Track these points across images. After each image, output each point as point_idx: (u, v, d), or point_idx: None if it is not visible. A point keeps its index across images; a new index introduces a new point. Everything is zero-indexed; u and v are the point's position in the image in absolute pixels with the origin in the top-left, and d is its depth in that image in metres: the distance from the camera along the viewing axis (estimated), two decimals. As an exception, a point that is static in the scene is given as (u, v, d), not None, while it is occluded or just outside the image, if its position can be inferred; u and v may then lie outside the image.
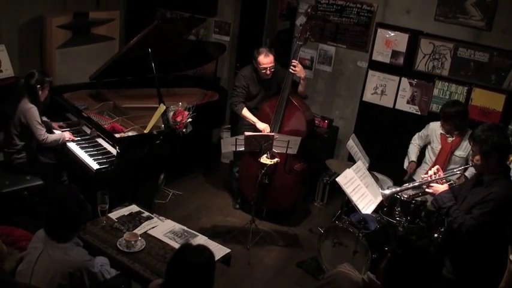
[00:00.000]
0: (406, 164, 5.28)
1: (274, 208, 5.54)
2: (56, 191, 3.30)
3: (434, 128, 5.09)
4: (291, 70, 5.13)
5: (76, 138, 4.94)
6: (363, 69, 6.17)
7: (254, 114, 5.33)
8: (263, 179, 5.05)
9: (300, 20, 6.28)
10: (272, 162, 5.03)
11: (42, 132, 4.65)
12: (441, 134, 4.99)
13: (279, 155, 5.08)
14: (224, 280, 4.49)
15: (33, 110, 4.60)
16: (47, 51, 5.99)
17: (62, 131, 4.98)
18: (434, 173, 3.96)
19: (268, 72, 5.24)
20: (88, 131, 5.02)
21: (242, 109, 5.31)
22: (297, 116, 5.23)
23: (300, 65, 5.18)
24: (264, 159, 4.96)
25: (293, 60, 5.14)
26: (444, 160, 4.89)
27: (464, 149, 4.87)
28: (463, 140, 4.88)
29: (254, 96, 5.42)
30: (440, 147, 4.98)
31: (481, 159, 3.52)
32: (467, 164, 4.76)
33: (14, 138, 4.69)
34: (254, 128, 5.26)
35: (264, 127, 5.20)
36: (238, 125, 5.52)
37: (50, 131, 4.92)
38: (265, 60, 5.18)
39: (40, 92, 4.66)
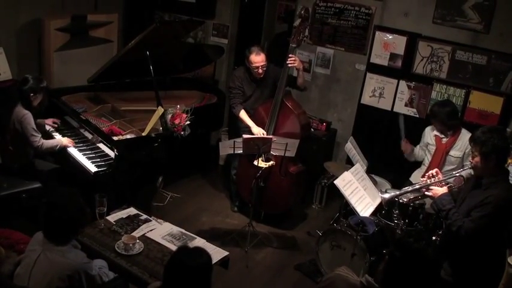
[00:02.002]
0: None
1: (271, 211, 5.54)
2: (57, 194, 3.29)
3: (429, 131, 5.11)
4: (289, 64, 5.10)
5: (74, 142, 4.91)
6: (361, 71, 6.18)
7: (250, 117, 5.32)
8: (259, 182, 5.04)
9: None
10: (267, 165, 5.03)
11: (37, 139, 4.61)
12: (435, 135, 5.00)
13: (275, 157, 5.07)
14: (222, 283, 4.48)
15: (28, 117, 4.56)
16: (45, 54, 5.99)
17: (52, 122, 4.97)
18: (433, 176, 3.96)
19: (260, 71, 5.22)
20: (86, 133, 5.01)
21: (240, 111, 5.30)
22: (291, 119, 5.22)
23: (298, 59, 5.17)
24: (259, 163, 4.94)
25: (290, 55, 5.11)
26: (439, 161, 4.90)
27: (459, 149, 4.87)
28: (457, 140, 4.89)
29: (249, 97, 5.41)
30: (435, 148, 4.99)
31: (481, 161, 3.53)
32: (462, 164, 4.78)
33: (9, 142, 4.68)
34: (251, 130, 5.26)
35: (257, 131, 5.17)
36: (240, 129, 5.48)
37: (46, 134, 4.90)
38: (257, 58, 5.17)
39: (33, 99, 4.62)
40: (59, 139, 4.89)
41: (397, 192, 4.28)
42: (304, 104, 5.79)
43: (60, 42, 6.04)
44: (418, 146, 5.28)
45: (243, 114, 5.30)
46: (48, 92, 4.87)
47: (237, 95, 5.34)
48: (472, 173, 4.02)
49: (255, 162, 4.91)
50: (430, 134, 5.07)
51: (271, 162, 5.07)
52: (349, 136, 5.53)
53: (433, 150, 5.02)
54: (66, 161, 4.85)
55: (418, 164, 5.28)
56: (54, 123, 5.11)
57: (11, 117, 4.63)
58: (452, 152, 4.91)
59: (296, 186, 5.46)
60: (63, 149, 4.82)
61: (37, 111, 4.72)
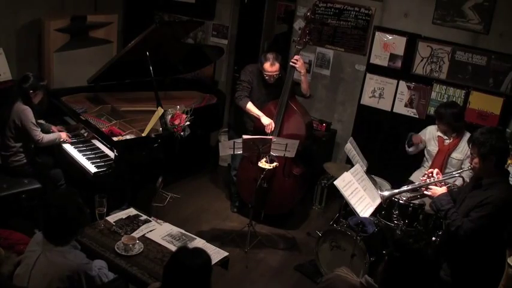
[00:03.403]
0: (407, 148, 5.24)
1: (273, 212, 5.54)
2: (56, 195, 3.30)
3: (432, 130, 5.10)
4: (291, 63, 5.11)
5: (72, 140, 4.95)
6: (361, 72, 6.18)
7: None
8: (262, 183, 5.04)
9: (298, 24, 6.29)
10: (271, 167, 5.02)
11: (37, 133, 4.66)
12: (438, 136, 5.00)
13: (278, 159, 5.07)
14: (222, 283, 4.48)
15: (28, 111, 4.61)
16: (45, 55, 5.99)
17: (59, 131, 4.99)
18: (433, 175, 3.96)
19: (272, 79, 5.24)
20: (86, 134, 5.02)
21: (247, 103, 5.25)
22: (296, 119, 5.23)
23: (301, 60, 5.17)
24: (263, 164, 4.94)
25: (295, 56, 5.12)
26: (441, 162, 4.89)
27: (461, 151, 4.87)
28: (460, 142, 4.88)
29: (256, 95, 5.40)
30: (437, 149, 4.99)
31: (480, 162, 3.53)
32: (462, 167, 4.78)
33: (10, 140, 4.69)
34: (256, 130, 5.25)
35: (269, 122, 5.16)
36: (245, 128, 5.46)
37: (47, 133, 4.92)
38: (271, 68, 5.16)
39: (33, 96, 4.67)
40: (58, 133, 4.91)
41: (396, 191, 4.28)
42: (303, 104, 5.78)
43: (60, 43, 6.03)
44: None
45: (251, 106, 5.25)
46: (48, 92, 4.89)
47: (245, 88, 5.31)
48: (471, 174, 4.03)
49: (259, 164, 4.91)
50: (433, 135, 5.06)
51: (274, 164, 5.07)
52: (348, 137, 5.53)
53: (434, 152, 5.02)
54: (66, 161, 4.86)
55: (418, 165, 5.28)
56: (59, 131, 5.12)
57: (10, 114, 4.64)
58: (454, 154, 4.91)
59: (299, 187, 5.47)
60: (62, 148, 4.84)
61: (37, 110, 4.73)
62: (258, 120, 5.23)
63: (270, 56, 5.18)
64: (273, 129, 5.15)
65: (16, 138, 4.69)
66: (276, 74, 5.21)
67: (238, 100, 5.32)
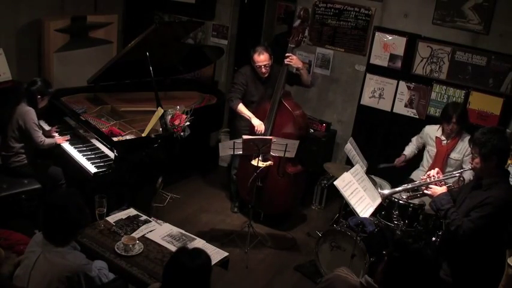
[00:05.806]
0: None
1: (270, 211, 5.54)
2: (57, 195, 3.30)
3: (429, 131, 5.10)
4: (286, 62, 5.11)
5: (67, 138, 4.98)
6: (360, 72, 6.18)
7: (253, 112, 5.31)
8: (256, 181, 5.03)
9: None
10: (264, 165, 5.02)
11: (39, 135, 4.67)
12: (436, 137, 4.99)
13: (272, 157, 5.07)
14: (222, 284, 4.48)
15: (31, 112, 4.63)
16: (45, 55, 5.99)
17: (54, 135, 5.01)
18: (433, 175, 3.96)
19: (263, 70, 5.25)
20: (85, 134, 5.02)
21: (238, 104, 5.30)
22: (289, 119, 5.21)
23: (295, 56, 5.17)
24: (257, 162, 4.93)
25: (287, 54, 5.13)
26: (441, 163, 4.89)
27: (459, 151, 4.86)
28: (458, 142, 4.88)
29: (253, 96, 5.41)
30: (435, 150, 4.98)
31: (481, 162, 3.53)
32: (462, 167, 4.77)
33: (12, 140, 4.69)
34: (251, 130, 5.25)
35: (258, 123, 5.18)
36: (237, 128, 5.50)
37: (47, 137, 4.93)
38: (260, 57, 5.19)
39: (39, 101, 4.70)
40: (54, 138, 4.94)
41: (396, 189, 4.28)
42: (303, 104, 5.79)
43: (60, 43, 6.04)
44: (413, 139, 5.28)
45: (242, 107, 5.29)
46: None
47: (237, 91, 5.34)
48: (471, 177, 4.03)
49: (253, 162, 4.91)
50: (430, 136, 5.06)
51: (269, 162, 5.07)
52: (348, 137, 5.53)
53: (433, 153, 5.01)
54: (65, 161, 4.86)
55: (417, 164, 5.28)
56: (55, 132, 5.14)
57: (14, 115, 4.65)
58: (452, 155, 4.91)
59: (294, 187, 5.45)
60: (63, 148, 4.86)
61: (37, 111, 4.74)
62: (250, 121, 5.25)
63: (258, 47, 5.26)
64: (263, 131, 5.16)
65: (18, 139, 4.71)
66: (267, 64, 5.23)
67: (230, 102, 5.37)
